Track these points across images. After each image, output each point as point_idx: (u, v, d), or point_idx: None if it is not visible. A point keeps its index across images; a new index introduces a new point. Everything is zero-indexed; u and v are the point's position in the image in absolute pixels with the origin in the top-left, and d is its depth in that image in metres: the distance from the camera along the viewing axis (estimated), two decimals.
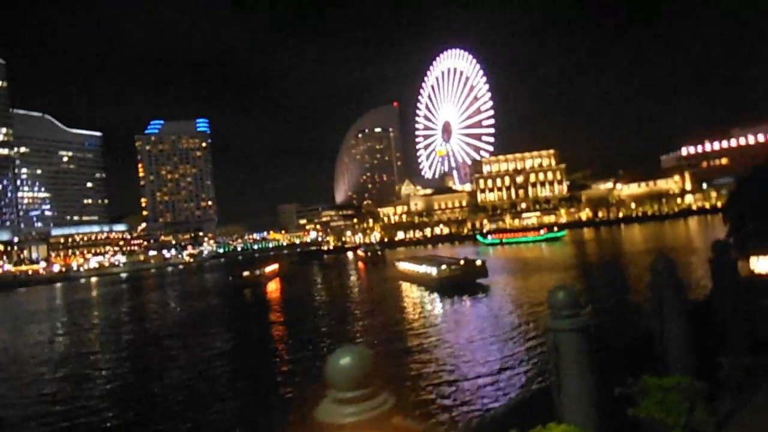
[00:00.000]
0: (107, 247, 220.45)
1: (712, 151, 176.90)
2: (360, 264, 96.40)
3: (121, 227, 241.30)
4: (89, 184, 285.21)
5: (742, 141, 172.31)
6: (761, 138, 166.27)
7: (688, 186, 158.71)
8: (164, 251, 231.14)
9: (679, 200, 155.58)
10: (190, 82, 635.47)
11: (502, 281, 45.74)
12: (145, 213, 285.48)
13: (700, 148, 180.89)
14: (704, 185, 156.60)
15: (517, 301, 34.52)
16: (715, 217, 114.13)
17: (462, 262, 44.03)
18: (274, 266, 79.02)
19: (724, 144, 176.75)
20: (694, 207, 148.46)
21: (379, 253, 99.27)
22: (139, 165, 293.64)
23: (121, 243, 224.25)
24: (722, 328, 6.94)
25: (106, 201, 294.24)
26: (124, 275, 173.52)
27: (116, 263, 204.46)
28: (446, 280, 41.80)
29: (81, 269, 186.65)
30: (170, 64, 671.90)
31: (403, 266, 54.47)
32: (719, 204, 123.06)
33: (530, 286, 41.74)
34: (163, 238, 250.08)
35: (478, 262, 43.62)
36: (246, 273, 66.87)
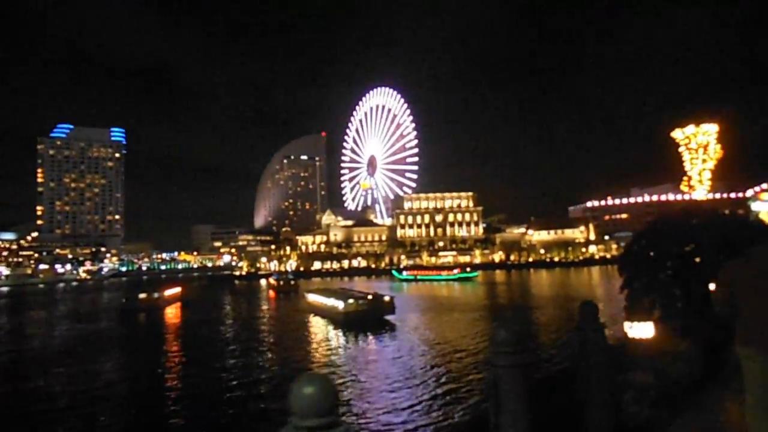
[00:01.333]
0: None
1: (613, 206, 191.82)
2: (271, 293, 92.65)
3: (8, 236, 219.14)
4: None
5: (640, 199, 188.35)
6: (655, 197, 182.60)
7: (592, 236, 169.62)
8: (57, 266, 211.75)
9: (584, 249, 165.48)
10: (108, 88, 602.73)
11: (412, 319, 44.91)
12: (39, 222, 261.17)
13: (603, 203, 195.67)
14: (606, 237, 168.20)
15: (423, 342, 33.61)
16: (613, 267, 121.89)
17: (369, 297, 42.88)
18: (176, 289, 73.72)
19: (624, 200, 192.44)
20: (596, 256, 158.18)
21: (292, 282, 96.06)
22: (39, 170, 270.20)
23: (6, 253, 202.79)
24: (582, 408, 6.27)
25: None
26: (4, 289, 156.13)
27: None
28: (352, 314, 40.34)
29: None
30: (89, 67, 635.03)
31: (312, 298, 52.43)
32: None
33: (439, 325, 41.17)
34: (58, 251, 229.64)
35: (386, 298, 42.65)
36: (142, 295, 61.52)
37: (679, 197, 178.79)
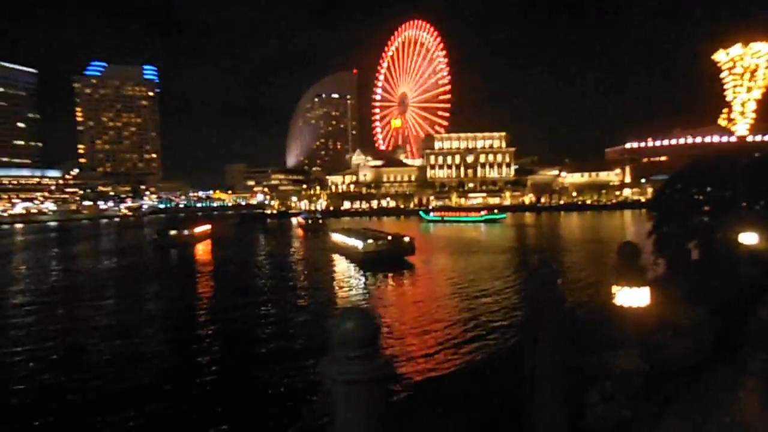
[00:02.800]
0: (37, 194, 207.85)
1: (653, 148, 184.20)
2: (299, 231, 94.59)
3: (54, 173, 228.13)
4: (21, 125, 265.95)
5: (682, 141, 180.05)
6: (699, 139, 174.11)
7: (628, 179, 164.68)
8: (100, 202, 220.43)
9: (618, 192, 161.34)
10: (139, 26, 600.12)
11: (432, 260, 45.41)
12: (82, 161, 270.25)
13: (642, 144, 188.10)
14: (643, 180, 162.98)
15: (440, 283, 34.09)
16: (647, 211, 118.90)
17: (389, 237, 43.26)
18: (206, 227, 76.01)
19: (665, 142, 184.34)
20: (631, 200, 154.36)
21: (320, 221, 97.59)
22: (77, 109, 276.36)
23: (53, 189, 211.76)
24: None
25: (39, 144, 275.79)
26: (52, 224, 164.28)
27: (45, 211, 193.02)
28: (372, 254, 40.96)
29: (4, 214, 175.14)
30: (120, 5, 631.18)
31: (335, 237, 53.30)
32: None
33: (458, 267, 41.51)
34: (100, 188, 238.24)
35: (406, 239, 42.98)
36: (173, 232, 63.83)
37: (725, 139, 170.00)
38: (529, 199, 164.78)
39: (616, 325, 4.58)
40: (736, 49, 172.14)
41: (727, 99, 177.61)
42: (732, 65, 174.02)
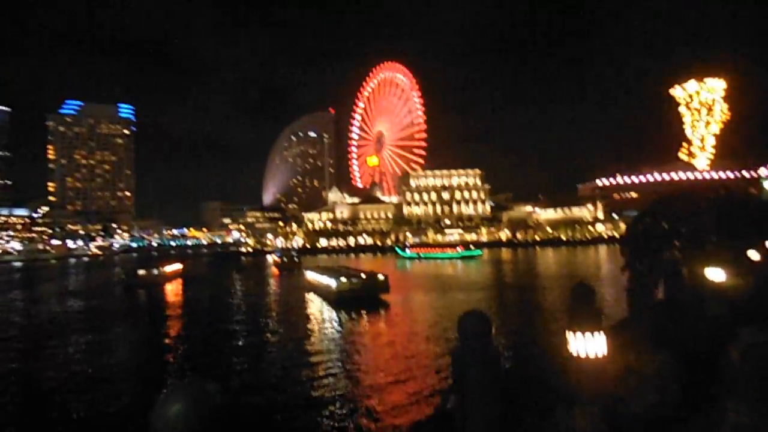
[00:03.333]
0: (3, 233, 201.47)
1: (623, 185, 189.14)
2: (274, 270, 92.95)
3: (22, 211, 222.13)
4: None
5: (650, 177, 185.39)
6: (666, 176, 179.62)
7: (600, 215, 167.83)
8: (69, 241, 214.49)
9: (591, 228, 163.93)
10: (117, 65, 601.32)
11: (408, 298, 44.71)
12: (52, 199, 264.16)
13: (612, 181, 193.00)
14: (614, 215, 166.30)
15: (415, 323, 33.34)
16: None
17: (363, 275, 42.57)
18: (177, 266, 74.00)
19: (635, 179, 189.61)
20: (604, 235, 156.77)
21: (295, 259, 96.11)
22: (50, 147, 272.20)
23: (20, 228, 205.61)
24: None
25: (8, 182, 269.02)
26: (17, 264, 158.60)
27: (10, 251, 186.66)
28: (345, 293, 40.11)
29: None
30: (97, 44, 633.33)
31: (309, 276, 52.33)
32: None
33: (434, 305, 40.85)
34: (70, 227, 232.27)
35: (380, 277, 42.30)
36: (142, 272, 61.85)
37: (690, 175, 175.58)
38: (505, 235, 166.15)
39: (572, 377, 3.95)
40: (692, 85, 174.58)
41: (687, 134, 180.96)
42: (689, 100, 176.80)
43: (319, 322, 35.44)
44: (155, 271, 62.67)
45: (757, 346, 2.42)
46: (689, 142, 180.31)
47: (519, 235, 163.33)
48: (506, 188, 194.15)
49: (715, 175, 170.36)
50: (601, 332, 3.91)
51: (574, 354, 3.97)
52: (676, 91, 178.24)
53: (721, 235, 9.14)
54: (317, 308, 41.61)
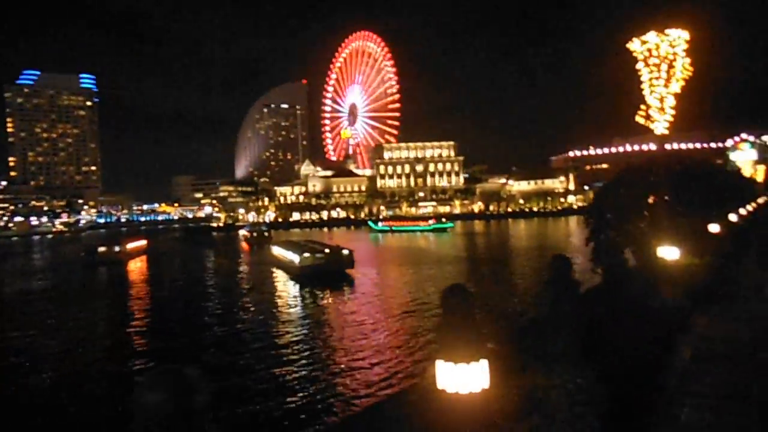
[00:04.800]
0: None
1: (594, 156, 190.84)
2: (244, 245, 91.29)
3: None
4: None
5: (621, 149, 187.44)
6: (636, 147, 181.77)
7: (572, 186, 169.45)
8: (32, 218, 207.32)
9: (563, 199, 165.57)
10: (77, 35, 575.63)
11: (373, 273, 43.96)
12: (12, 174, 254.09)
13: (585, 152, 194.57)
14: (586, 187, 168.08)
15: (378, 299, 32.59)
16: None
17: (327, 250, 41.54)
18: (141, 242, 71.74)
19: (606, 150, 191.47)
20: (575, 206, 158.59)
21: (265, 234, 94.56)
22: (8, 120, 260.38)
23: None
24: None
25: None
26: None
27: None
28: (308, 268, 39.10)
29: None
30: (56, 11, 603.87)
31: (275, 251, 51.09)
32: None
33: (400, 280, 40.21)
34: (33, 203, 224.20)
35: (345, 252, 41.34)
36: (102, 249, 59.56)
37: (660, 146, 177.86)
38: (478, 207, 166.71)
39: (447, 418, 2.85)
40: (651, 37, 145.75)
41: (645, 95, 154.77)
42: (647, 55, 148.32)
43: (282, 300, 34.41)
44: (116, 248, 60.39)
45: (711, 340, 2.18)
46: (647, 105, 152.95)
47: (492, 207, 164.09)
48: (481, 161, 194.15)
49: (684, 146, 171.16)
50: (483, 360, 2.72)
51: (446, 389, 2.72)
52: (634, 45, 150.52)
53: (678, 210, 8.28)
54: (281, 285, 40.56)
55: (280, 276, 44.49)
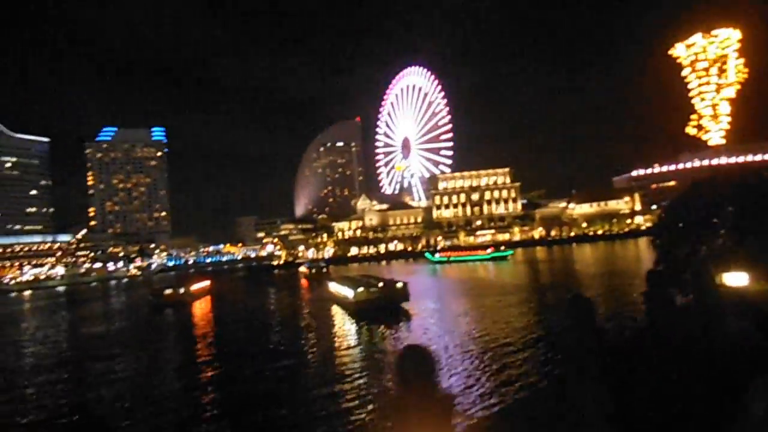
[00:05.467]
0: (48, 259, 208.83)
1: (660, 174, 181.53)
2: (303, 281, 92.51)
3: (65, 237, 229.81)
4: (33, 192, 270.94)
5: (689, 164, 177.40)
6: (706, 162, 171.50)
7: (638, 207, 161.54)
8: (110, 264, 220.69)
9: (629, 220, 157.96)
10: (144, 88, 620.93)
11: (431, 306, 42.97)
12: (93, 223, 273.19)
13: (650, 171, 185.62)
14: (654, 206, 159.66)
15: (435, 335, 31.58)
16: None
17: (381, 284, 41.07)
18: (205, 283, 74.14)
19: (672, 167, 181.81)
20: (643, 227, 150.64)
21: (324, 270, 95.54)
22: (89, 173, 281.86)
23: (63, 253, 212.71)
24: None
25: (51, 210, 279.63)
26: (61, 288, 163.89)
27: (53, 276, 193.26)
28: (363, 303, 38.72)
29: (12, 282, 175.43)
30: (126, 69, 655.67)
31: (332, 287, 51.22)
32: None
33: (459, 314, 38.96)
34: (111, 249, 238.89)
35: (399, 285, 40.70)
36: (168, 291, 61.99)
37: (733, 160, 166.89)
38: (538, 233, 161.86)
39: None
40: (697, 40, 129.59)
41: (694, 102, 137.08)
42: (694, 59, 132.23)
43: (337, 337, 34.11)
44: (181, 290, 62.66)
45: None
46: (698, 114, 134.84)
47: (553, 232, 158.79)
48: (539, 186, 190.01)
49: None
50: None
51: None
52: (677, 50, 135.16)
53: (745, 231, 7.28)
54: (338, 321, 40.35)
55: (337, 312, 44.37)
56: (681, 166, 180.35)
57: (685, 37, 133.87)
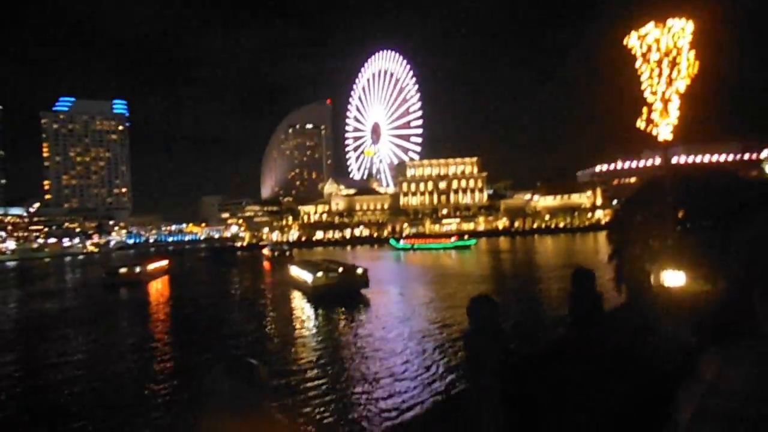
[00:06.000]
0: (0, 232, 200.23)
1: (622, 170, 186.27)
2: (266, 264, 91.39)
3: (17, 210, 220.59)
4: None
5: (650, 162, 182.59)
6: (664, 161, 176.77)
7: (599, 201, 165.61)
8: (65, 239, 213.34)
9: (590, 215, 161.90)
10: (109, 61, 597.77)
11: (390, 293, 42.94)
12: (48, 197, 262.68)
13: (612, 166, 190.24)
14: (614, 202, 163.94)
15: (394, 321, 31.50)
16: None
17: (341, 269, 40.75)
18: (163, 262, 72.31)
19: (634, 164, 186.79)
20: (603, 222, 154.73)
21: (286, 253, 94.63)
22: (44, 144, 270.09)
23: (13, 228, 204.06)
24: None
25: (2, 181, 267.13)
26: (11, 263, 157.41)
27: (3, 250, 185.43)
28: (321, 288, 38.34)
29: None
30: (91, 39, 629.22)
31: (293, 271, 50.59)
32: None
33: (417, 300, 39.06)
34: (66, 225, 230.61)
35: (359, 271, 40.47)
36: (123, 270, 60.14)
37: (691, 159, 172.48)
38: (503, 223, 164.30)
39: None
40: (650, 30, 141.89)
41: (645, 96, 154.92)
42: (646, 50, 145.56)
43: (292, 322, 33.69)
44: (137, 269, 60.88)
45: (709, 408, 1.26)
46: (649, 107, 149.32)
47: (517, 224, 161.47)
48: (506, 177, 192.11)
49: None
50: None
51: None
52: (632, 40, 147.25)
53: (687, 227, 7.20)
54: (296, 306, 39.91)
55: (296, 296, 43.88)
56: (642, 163, 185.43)
57: (640, 25, 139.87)
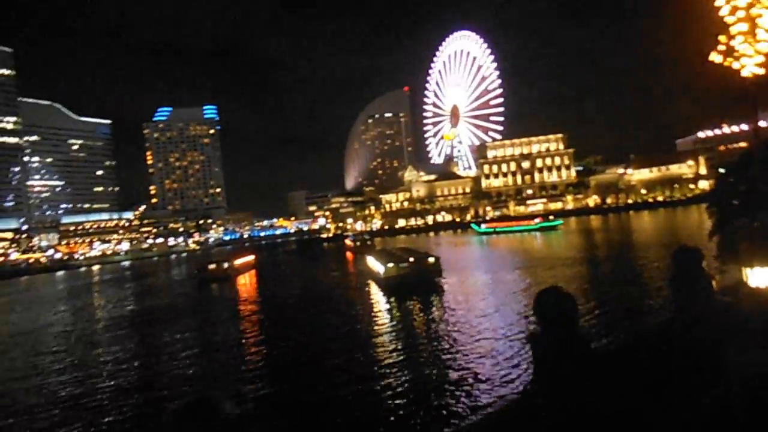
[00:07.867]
0: (114, 235, 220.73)
1: (731, 134, 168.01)
2: (348, 254, 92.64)
3: (129, 214, 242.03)
4: (99, 172, 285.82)
5: (763, 123, 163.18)
6: None
7: (703, 171, 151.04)
8: (170, 239, 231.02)
9: (692, 186, 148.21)
10: (198, 69, 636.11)
11: (467, 281, 41.35)
12: (154, 201, 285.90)
13: (719, 132, 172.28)
14: (721, 170, 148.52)
15: (470, 311, 30.09)
16: None
17: (412, 259, 39.71)
18: (250, 257, 75.36)
19: (744, 127, 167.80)
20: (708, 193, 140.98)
21: (368, 242, 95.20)
22: (148, 153, 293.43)
23: (126, 230, 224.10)
24: None
25: (116, 189, 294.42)
26: (126, 263, 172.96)
27: (119, 251, 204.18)
28: (393, 279, 37.64)
29: (82, 257, 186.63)
30: (178, 51, 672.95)
31: (369, 261, 50.43)
32: None
33: (496, 288, 37.24)
34: (171, 225, 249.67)
35: (431, 259, 39.28)
36: (212, 266, 63.31)
37: None
38: (593, 201, 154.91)
39: None
40: None
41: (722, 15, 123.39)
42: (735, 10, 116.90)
43: (365, 314, 33.31)
44: (225, 265, 63.79)
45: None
46: (727, 35, 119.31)
47: (610, 200, 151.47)
48: (596, 152, 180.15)
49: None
50: None
51: None
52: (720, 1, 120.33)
53: None
54: (373, 297, 39.55)
55: (372, 287, 43.58)
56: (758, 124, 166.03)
57: None
